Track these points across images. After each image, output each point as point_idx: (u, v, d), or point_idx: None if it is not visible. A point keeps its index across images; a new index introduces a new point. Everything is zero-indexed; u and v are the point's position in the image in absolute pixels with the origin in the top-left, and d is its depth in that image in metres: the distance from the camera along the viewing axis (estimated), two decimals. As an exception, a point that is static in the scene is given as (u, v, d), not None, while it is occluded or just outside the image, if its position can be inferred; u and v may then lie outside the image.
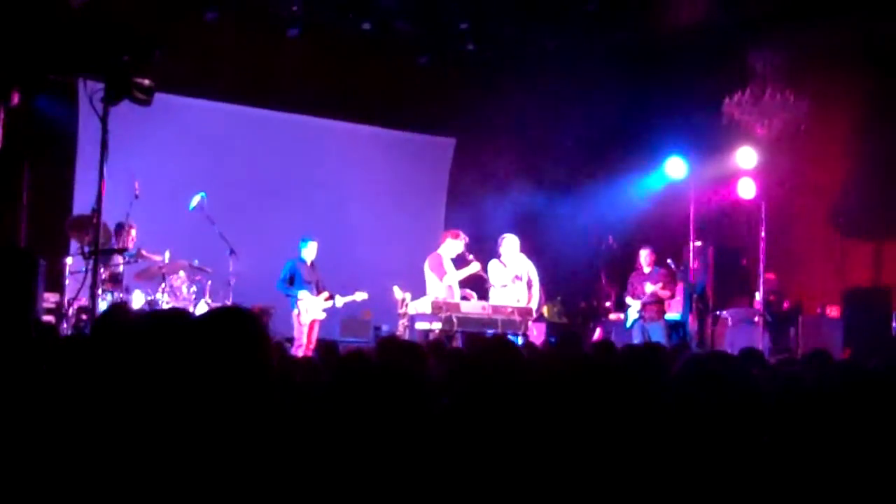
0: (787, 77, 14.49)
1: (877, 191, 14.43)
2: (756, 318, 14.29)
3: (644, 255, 14.21)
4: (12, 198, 13.52)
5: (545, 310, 15.41)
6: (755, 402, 4.42)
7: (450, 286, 12.68)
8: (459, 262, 12.86)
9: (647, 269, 14.14)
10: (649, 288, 13.92)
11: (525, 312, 12.72)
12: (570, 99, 16.63)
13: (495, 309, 12.47)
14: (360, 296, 13.91)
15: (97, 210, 9.25)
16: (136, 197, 11.81)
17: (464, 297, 12.77)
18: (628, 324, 14.12)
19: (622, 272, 15.91)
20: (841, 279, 14.89)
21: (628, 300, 14.17)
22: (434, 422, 3.63)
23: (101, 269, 10.66)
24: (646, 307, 13.92)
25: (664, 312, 14.11)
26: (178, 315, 3.68)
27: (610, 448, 3.81)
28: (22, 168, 13.76)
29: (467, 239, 13.05)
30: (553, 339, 13.71)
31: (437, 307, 12.08)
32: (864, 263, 14.92)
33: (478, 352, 4.70)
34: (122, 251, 11.84)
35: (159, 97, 9.60)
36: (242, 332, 3.16)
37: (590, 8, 15.04)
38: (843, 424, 4.19)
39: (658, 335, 13.62)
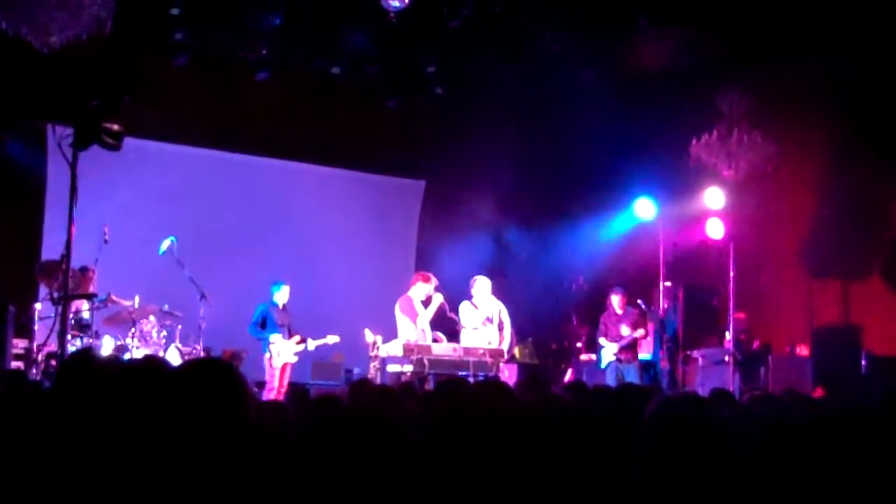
0: (754, 118, 14.59)
1: (845, 230, 14.52)
2: (726, 358, 14.32)
3: (616, 299, 14.24)
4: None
5: (516, 351, 15.39)
6: (726, 444, 4.44)
7: (422, 329, 12.67)
8: (427, 303, 12.87)
9: (619, 311, 14.17)
10: (626, 331, 13.95)
11: (496, 354, 12.71)
12: (539, 140, 16.73)
13: (467, 351, 12.45)
14: (332, 339, 13.89)
15: (66, 255, 9.21)
16: (106, 242, 11.76)
17: (434, 340, 12.76)
18: (603, 364, 14.13)
19: (593, 313, 15.92)
20: (810, 318, 14.96)
21: (602, 341, 14.19)
22: (407, 465, 3.61)
23: (70, 315, 10.58)
24: (622, 349, 13.95)
25: (637, 354, 14.16)
26: (154, 364, 3.65)
27: (584, 490, 3.81)
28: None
29: (437, 282, 13.05)
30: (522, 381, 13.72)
31: (408, 349, 12.06)
32: (833, 302, 14.98)
33: (464, 395, 4.69)
34: (91, 297, 11.76)
35: (129, 142, 9.59)
36: (222, 385, 3.14)
37: (555, 49, 15.13)
38: (816, 463, 4.20)
39: (632, 376, 13.64)
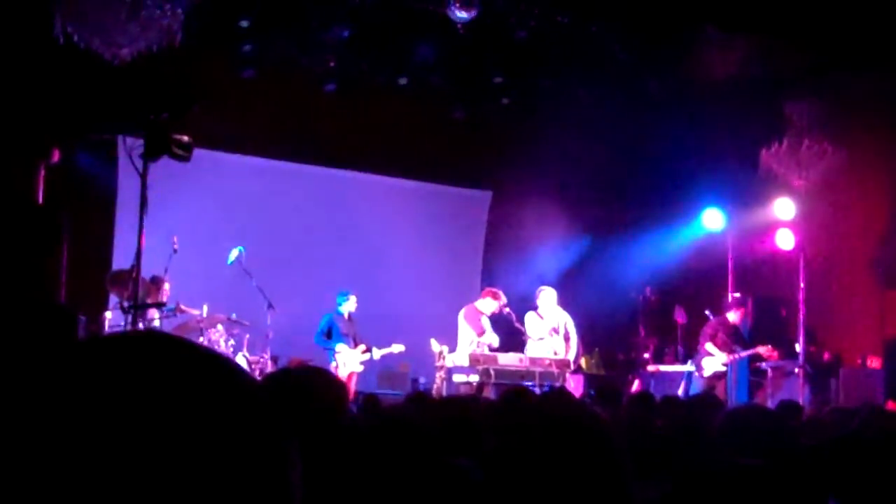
0: (824, 127, 14.44)
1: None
2: (796, 370, 14.15)
3: (735, 314, 14.12)
4: (52, 254, 13.63)
5: (583, 362, 15.33)
6: (793, 455, 4.38)
7: (485, 343, 12.70)
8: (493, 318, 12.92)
9: (737, 323, 14.05)
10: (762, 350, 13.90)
11: (563, 364, 12.67)
12: (606, 150, 16.66)
13: (532, 361, 12.42)
14: (397, 348, 13.92)
15: (136, 265, 9.31)
16: (175, 251, 11.88)
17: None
18: (706, 372, 13.85)
19: (660, 323, 15.83)
20: (881, 329, 14.73)
21: (710, 348, 13.89)
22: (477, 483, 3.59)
23: (140, 324, 10.70)
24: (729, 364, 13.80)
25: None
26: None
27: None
28: (61, 224, 13.88)
29: (505, 301, 13.07)
30: (592, 392, 13.64)
31: (474, 360, 12.06)
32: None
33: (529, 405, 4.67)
34: (160, 305, 11.88)
35: (198, 153, 9.68)
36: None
37: (623, 58, 15.08)
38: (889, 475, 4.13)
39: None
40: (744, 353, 13.85)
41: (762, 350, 13.97)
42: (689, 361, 14.48)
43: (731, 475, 3.96)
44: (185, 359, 1.12)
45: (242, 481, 1.07)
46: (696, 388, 13.53)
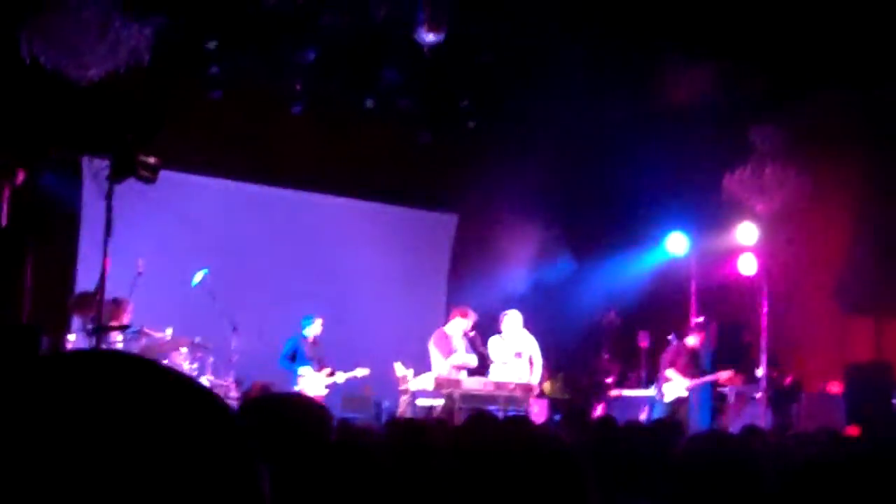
0: (788, 153, 14.56)
1: (878, 266, 14.46)
2: (758, 395, 14.25)
3: (694, 338, 14.20)
4: (15, 275, 13.55)
5: (546, 386, 15.37)
6: (755, 482, 4.42)
7: (453, 366, 12.69)
8: (467, 338, 12.92)
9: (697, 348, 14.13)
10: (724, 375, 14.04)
11: (527, 389, 12.70)
12: (571, 173, 16.74)
13: (497, 385, 12.44)
14: (361, 372, 13.89)
15: (100, 287, 9.28)
16: (140, 274, 11.83)
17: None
18: (667, 398, 13.87)
19: (624, 347, 15.89)
20: (842, 355, 14.85)
21: (671, 373, 13.91)
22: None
23: (103, 346, 10.64)
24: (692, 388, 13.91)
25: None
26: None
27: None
28: (25, 245, 13.81)
29: (475, 317, 13.08)
30: (557, 417, 13.68)
31: (439, 384, 12.07)
32: (866, 339, 14.91)
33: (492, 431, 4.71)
34: (124, 328, 11.83)
35: (163, 174, 9.68)
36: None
37: (587, 83, 15.15)
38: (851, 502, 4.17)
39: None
40: (704, 379, 13.95)
41: (723, 375, 14.09)
42: (652, 386, 14.55)
43: None
44: (146, 374, 1.14)
45: (213, 494, 1.09)
46: (659, 412, 13.57)
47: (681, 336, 14.87)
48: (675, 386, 13.81)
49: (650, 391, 14.58)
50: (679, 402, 13.76)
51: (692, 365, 13.92)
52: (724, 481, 4.32)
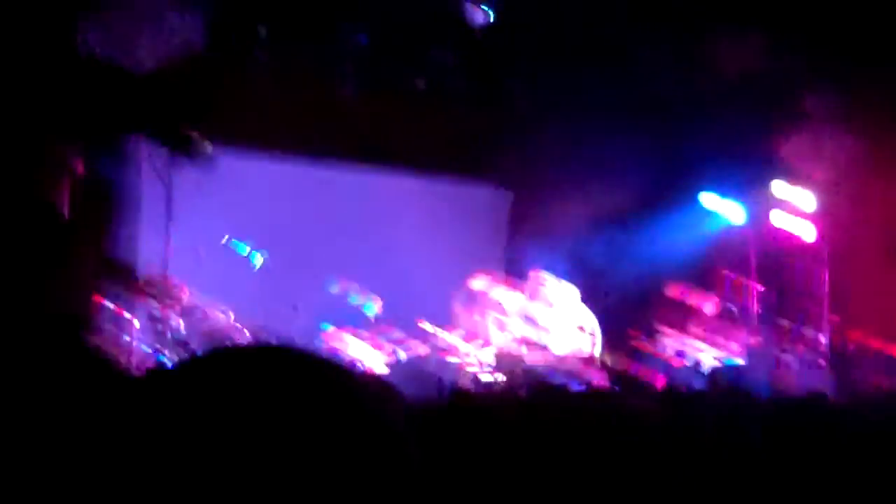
0: (844, 118, 14.42)
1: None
2: (820, 361, 14.18)
3: (708, 305, 14.18)
4: (77, 265, 13.70)
5: (605, 358, 15.37)
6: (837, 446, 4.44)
7: (514, 339, 12.72)
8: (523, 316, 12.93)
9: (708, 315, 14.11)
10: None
11: (589, 361, 12.70)
12: (624, 146, 16.64)
13: (559, 359, 12.46)
14: (423, 349, 13.87)
15: (163, 273, 9.39)
16: (201, 257, 11.95)
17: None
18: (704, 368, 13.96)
19: (681, 318, 15.82)
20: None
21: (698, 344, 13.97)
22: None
23: (167, 331, 10.78)
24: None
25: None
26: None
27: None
28: (87, 235, 13.97)
29: (531, 291, 13.10)
30: (618, 388, 13.68)
31: (500, 357, 12.09)
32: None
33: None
34: (186, 311, 11.96)
35: (219, 157, 9.75)
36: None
37: (638, 52, 15.06)
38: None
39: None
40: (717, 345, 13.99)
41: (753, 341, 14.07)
42: (706, 354, 14.48)
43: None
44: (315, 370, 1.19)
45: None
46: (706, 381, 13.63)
47: (731, 302, 14.84)
48: (706, 355, 13.92)
49: (708, 359, 14.53)
50: (724, 370, 13.81)
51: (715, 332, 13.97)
52: (809, 447, 4.33)
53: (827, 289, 14.09)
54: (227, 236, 11.88)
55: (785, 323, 15.18)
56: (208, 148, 10.09)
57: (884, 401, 6.99)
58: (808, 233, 14.72)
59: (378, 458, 1.16)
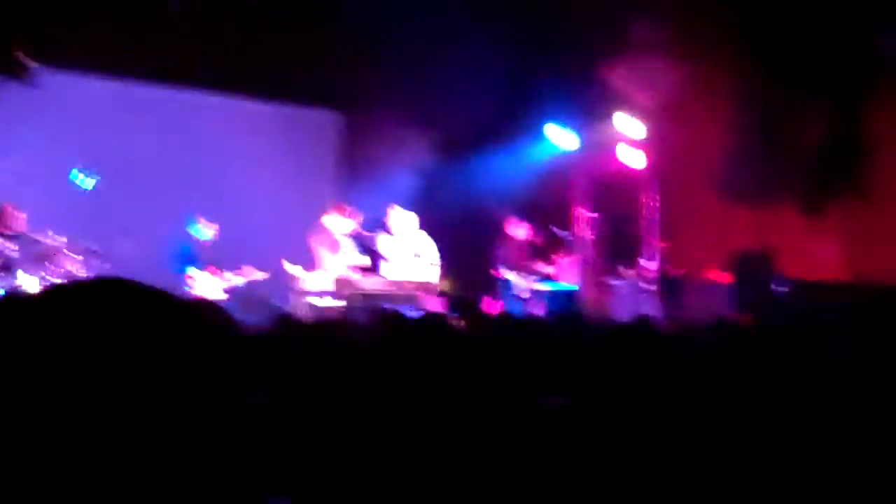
0: (668, 45, 14.64)
1: (760, 156, 14.74)
2: (646, 286, 14.57)
3: (521, 230, 14.49)
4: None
5: (444, 284, 15.51)
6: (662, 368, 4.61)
7: (348, 266, 12.71)
8: (357, 243, 12.90)
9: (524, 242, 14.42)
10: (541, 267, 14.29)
11: (426, 288, 12.79)
12: (455, 67, 16.63)
13: (396, 284, 12.51)
14: (260, 275, 13.70)
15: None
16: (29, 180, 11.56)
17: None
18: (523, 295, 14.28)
19: (515, 246, 16.05)
20: (725, 245, 15.17)
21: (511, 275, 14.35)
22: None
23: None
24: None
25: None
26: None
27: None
28: None
29: (358, 217, 13.06)
30: (456, 314, 13.85)
31: (340, 284, 12.07)
32: (747, 229, 15.22)
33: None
34: (18, 236, 11.62)
35: (43, 74, 9.42)
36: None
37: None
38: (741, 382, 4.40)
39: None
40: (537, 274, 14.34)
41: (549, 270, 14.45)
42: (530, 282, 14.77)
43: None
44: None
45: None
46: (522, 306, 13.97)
47: (564, 229, 15.09)
48: (519, 283, 14.21)
49: (542, 286, 14.79)
50: (557, 295, 14.15)
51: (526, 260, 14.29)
52: (637, 369, 4.49)
53: (657, 216, 14.43)
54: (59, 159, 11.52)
55: (618, 250, 15.52)
56: (33, 66, 9.73)
57: (708, 326, 7.26)
58: (639, 161, 15.03)
59: (206, 384, 1.21)
